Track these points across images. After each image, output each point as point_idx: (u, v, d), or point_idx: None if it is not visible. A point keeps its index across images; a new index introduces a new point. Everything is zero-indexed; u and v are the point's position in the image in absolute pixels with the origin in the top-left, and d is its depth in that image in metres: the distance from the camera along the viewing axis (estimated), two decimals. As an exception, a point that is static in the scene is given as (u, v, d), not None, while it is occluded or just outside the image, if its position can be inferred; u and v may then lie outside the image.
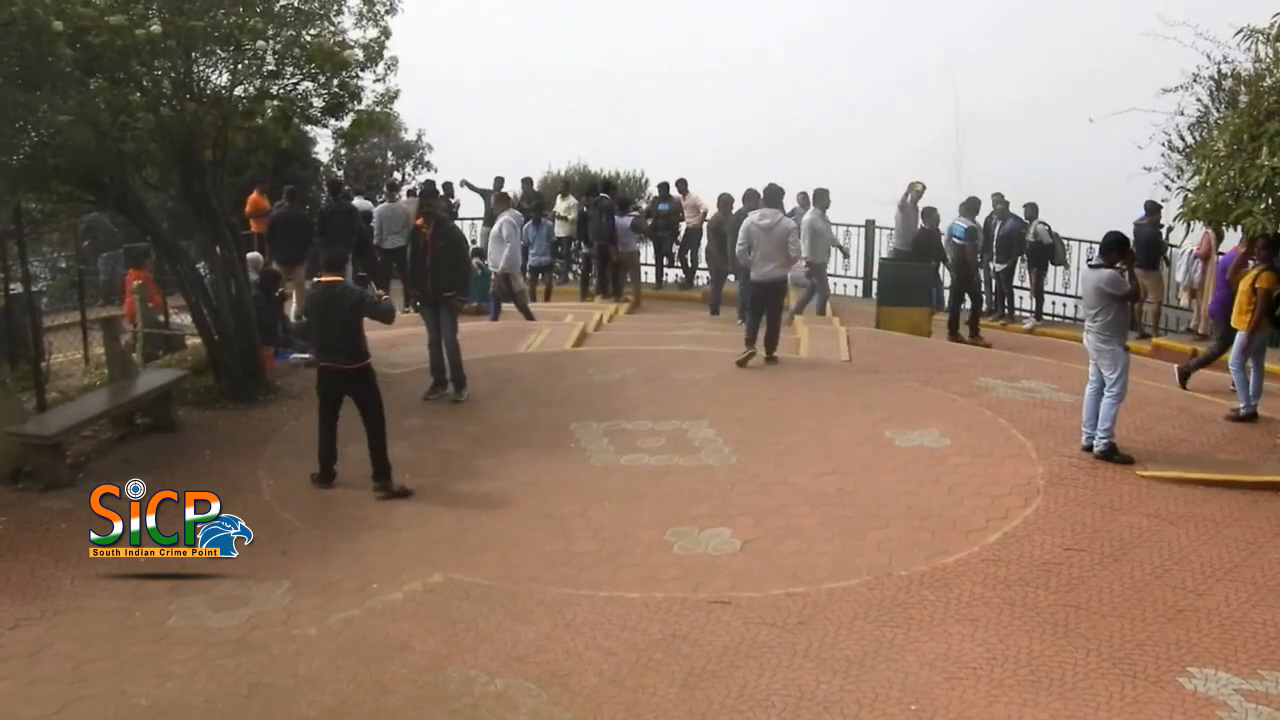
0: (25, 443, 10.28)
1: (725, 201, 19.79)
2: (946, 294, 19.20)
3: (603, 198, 21.36)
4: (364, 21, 12.31)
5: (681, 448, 11.05)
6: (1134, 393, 11.34)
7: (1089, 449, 10.72)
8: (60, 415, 10.89)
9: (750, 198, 15.54)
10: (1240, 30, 10.06)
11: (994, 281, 20.27)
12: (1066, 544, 8.84)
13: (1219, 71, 10.65)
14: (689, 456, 10.83)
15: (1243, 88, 10.35)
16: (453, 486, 10.28)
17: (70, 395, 12.02)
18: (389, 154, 26.77)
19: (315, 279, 11.30)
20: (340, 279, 10.56)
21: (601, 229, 20.82)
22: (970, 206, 18.53)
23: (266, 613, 7.91)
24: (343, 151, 24.83)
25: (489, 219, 23.58)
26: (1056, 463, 10.47)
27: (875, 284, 20.84)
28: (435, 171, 26.46)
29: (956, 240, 18.10)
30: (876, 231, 22.44)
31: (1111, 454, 10.57)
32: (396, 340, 15.10)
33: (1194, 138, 10.95)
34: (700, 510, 9.56)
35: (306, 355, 14.17)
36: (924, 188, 20.17)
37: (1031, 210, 19.79)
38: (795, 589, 8.13)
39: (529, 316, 18.05)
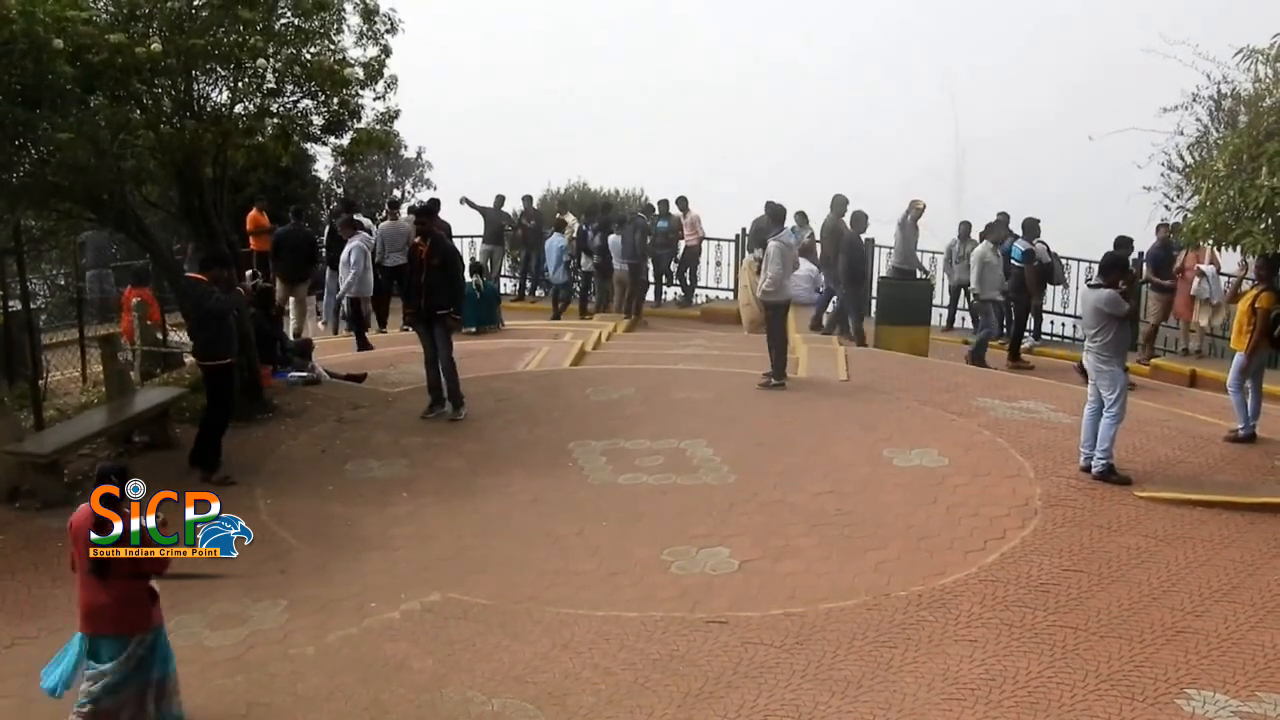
0: (23, 461, 10.27)
1: (841, 204, 19.38)
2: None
3: (639, 217, 21.62)
4: (364, 40, 12.34)
5: (680, 467, 11.04)
6: (1132, 413, 11.34)
7: (1087, 469, 10.72)
8: (58, 434, 10.89)
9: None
10: (1240, 50, 10.08)
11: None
12: (1064, 565, 8.83)
13: (1219, 91, 10.67)
14: (687, 476, 10.82)
15: (1242, 108, 10.37)
16: (451, 505, 10.27)
17: (68, 413, 12.02)
18: (389, 172, 26.78)
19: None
20: (202, 277, 11.14)
21: (635, 248, 20.95)
22: (1028, 228, 18.44)
23: (264, 631, 7.91)
24: (343, 169, 24.88)
25: (490, 237, 23.68)
26: (1054, 483, 10.46)
27: (874, 303, 20.84)
28: (435, 189, 26.50)
29: (1014, 263, 18.02)
30: (876, 250, 22.46)
31: (1109, 474, 10.58)
32: (395, 359, 15.12)
33: (1193, 157, 10.94)
34: (698, 530, 9.56)
35: (304, 374, 14.17)
36: (924, 206, 20.12)
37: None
38: (793, 609, 8.13)
39: (363, 347, 17.61)
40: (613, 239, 21.24)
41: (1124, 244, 15.55)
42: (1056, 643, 7.64)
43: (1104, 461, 10.65)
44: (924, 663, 7.39)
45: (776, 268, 13.84)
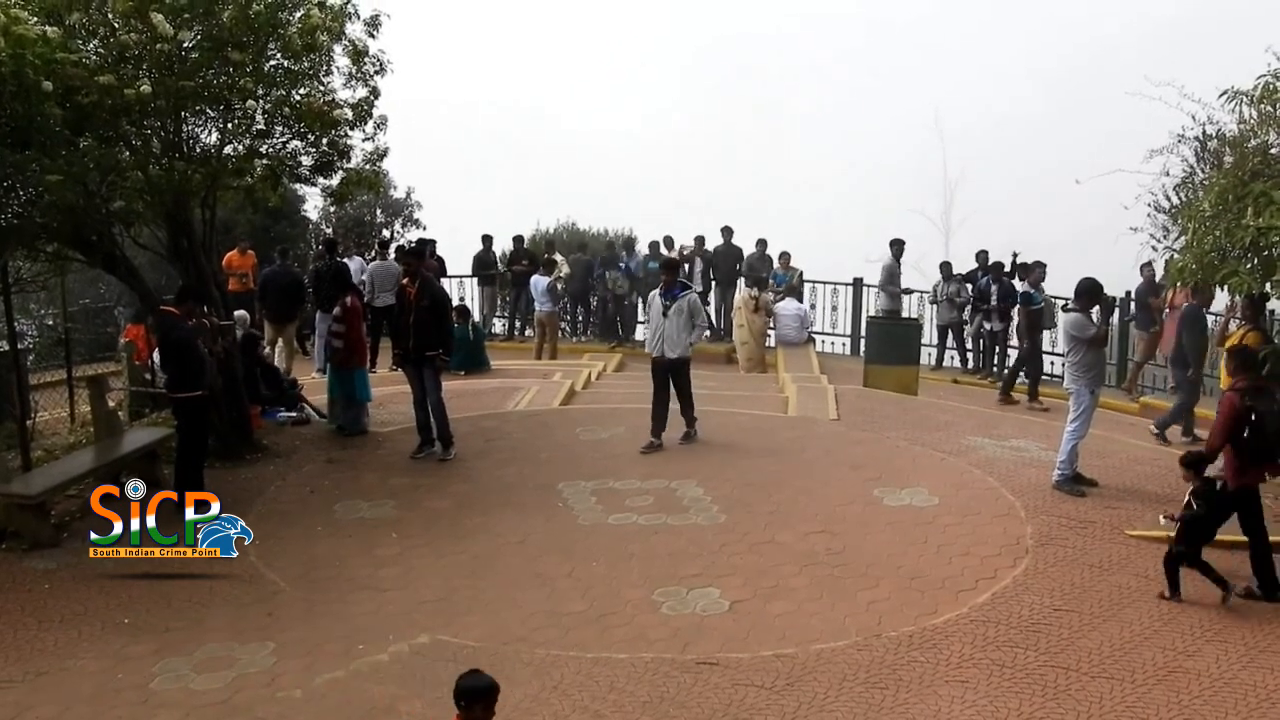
0: (9, 502, 10.20)
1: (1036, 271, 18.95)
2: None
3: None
4: (353, 81, 12.40)
5: (670, 507, 11.01)
6: (1122, 453, 11.36)
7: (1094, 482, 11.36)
8: (45, 475, 10.83)
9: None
10: (1225, 92, 10.16)
11: (980, 340, 20.37)
12: (1056, 604, 8.80)
13: (1204, 132, 10.72)
14: (677, 516, 10.79)
15: (1227, 149, 10.41)
16: (439, 546, 10.22)
17: (56, 454, 11.96)
18: (378, 211, 26.76)
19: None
20: (172, 310, 11.16)
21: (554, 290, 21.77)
22: (1022, 269, 18.81)
23: (251, 675, 7.83)
24: (332, 209, 24.88)
25: (485, 279, 23.84)
26: (1045, 522, 10.44)
27: (863, 342, 20.89)
28: (424, 229, 26.51)
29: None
30: (864, 290, 22.55)
31: (1065, 484, 11.18)
32: (384, 399, 15.08)
33: (1180, 198, 11.00)
34: (688, 570, 9.52)
35: (294, 414, 14.16)
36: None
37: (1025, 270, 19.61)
38: (784, 650, 8.08)
39: None
40: (535, 279, 21.41)
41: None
42: (1048, 683, 7.61)
43: (1060, 473, 11.26)
44: (915, 704, 7.34)
45: (702, 319, 13.72)
